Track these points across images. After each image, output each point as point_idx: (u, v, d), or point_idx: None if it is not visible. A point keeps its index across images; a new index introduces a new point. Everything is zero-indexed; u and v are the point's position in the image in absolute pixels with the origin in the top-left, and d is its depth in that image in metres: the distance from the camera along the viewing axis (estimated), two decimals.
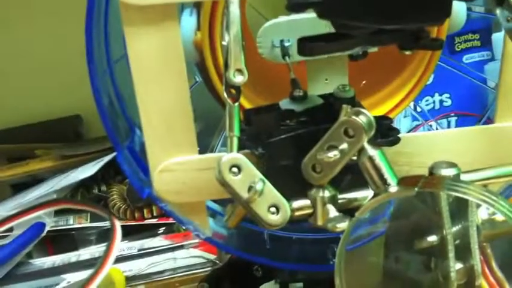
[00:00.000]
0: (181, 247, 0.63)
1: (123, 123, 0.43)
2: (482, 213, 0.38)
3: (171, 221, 0.66)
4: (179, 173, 0.39)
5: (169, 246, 0.64)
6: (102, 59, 0.39)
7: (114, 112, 0.42)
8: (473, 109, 0.63)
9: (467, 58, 0.65)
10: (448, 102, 0.65)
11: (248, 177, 0.34)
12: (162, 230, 0.66)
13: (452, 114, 0.65)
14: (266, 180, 0.35)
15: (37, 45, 0.79)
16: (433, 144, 0.40)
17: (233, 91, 0.35)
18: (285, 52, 0.39)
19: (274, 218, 0.35)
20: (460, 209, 0.36)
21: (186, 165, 0.39)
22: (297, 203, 0.36)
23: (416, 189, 0.33)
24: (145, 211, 0.68)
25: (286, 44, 0.39)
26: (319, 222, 0.36)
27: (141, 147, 0.42)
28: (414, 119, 0.59)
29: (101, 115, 0.39)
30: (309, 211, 0.36)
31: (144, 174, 0.42)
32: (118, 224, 0.42)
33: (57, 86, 0.80)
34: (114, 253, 0.39)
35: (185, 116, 0.38)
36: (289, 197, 0.36)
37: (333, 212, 0.35)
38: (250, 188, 0.34)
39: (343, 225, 0.34)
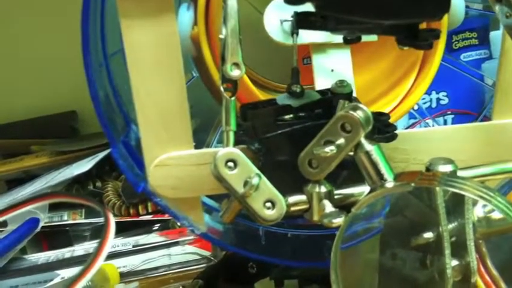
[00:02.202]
0: (176, 243, 0.63)
1: (119, 118, 0.43)
2: (478, 211, 0.38)
3: (166, 217, 0.66)
4: (175, 168, 0.39)
5: (164, 242, 0.63)
6: (98, 52, 0.39)
7: (110, 107, 0.42)
8: (471, 107, 0.63)
9: (465, 56, 0.65)
10: (445, 101, 0.65)
11: (244, 172, 0.34)
12: (157, 226, 0.66)
13: (449, 112, 0.65)
14: (262, 175, 0.34)
15: (32, 41, 0.79)
16: (430, 141, 0.40)
17: (229, 85, 0.35)
18: (294, 30, 0.39)
19: (269, 213, 0.35)
20: (456, 206, 0.36)
21: (182, 160, 0.39)
22: (292, 198, 0.36)
23: (413, 184, 0.33)
24: (140, 207, 0.67)
25: None
26: (315, 218, 0.36)
27: (136, 142, 0.42)
28: (411, 116, 0.59)
29: (95, 108, 0.39)
30: (305, 206, 0.36)
31: (139, 169, 0.41)
32: (112, 218, 0.41)
33: (52, 82, 0.79)
34: (108, 246, 0.39)
35: (181, 110, 0.38)
36: (285, 193, 0.36)
37: (329, 207, 0.35)
38: (246, 183, 0.34)
39: (339, 221, 0.34)
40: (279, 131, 0.36)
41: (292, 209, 0.36)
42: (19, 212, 0.58)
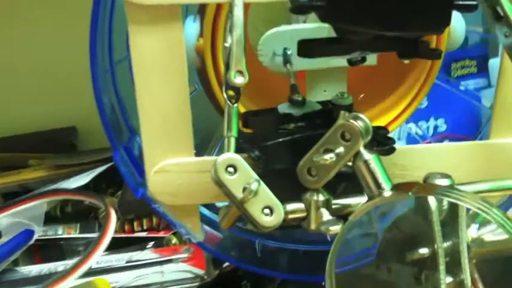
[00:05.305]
0: (169, 261, 0.63)
1: (123, 127, 0.43)
2: (472, 232, 0.38)
3: (160, 235, 0.66)
4: (175, 175, 0.39)
5: (157, 259, 0.63)
6: (104, 58, 0.39)
7: (115, 117, 0.42)
8: (468, 135, 0.63)
9: (464, 85, 0.65)
10: (443, 128, 0.65)
11: (244, 178, 0.34)
12: (151, 243, 0.66)
13: (447, 139, 0.65)
14: (261, 181, 0.35)
15: (34, 56, 0.79)
16: (428, 157, 0.41)
17: (233, 92, 0.35)
18: (286, 60, 0.40)
19: (267, 220, 0.35)
20: (451, 226, 0.36)
21: (182, 166, 0.39)
22: (290, 206, 0.36)
23: (410, 193, 0.33)
24: (135, 224, 0.67)
25: (289, 52, 0.40)
26: (312, 227, 0.36)
27: (140, 152, 0.42)
28: (410, 140, 0.60)
29: (99, 111, 0.39)
30: (303, 215, 0.36)
31: (139, 175, 0.42)
32: (113, 212, 0.42)
33: (53, 97, 0.80)
34: (108, 237, 0.39)
35: (184, 117, 0.39)
36: (284, 201, 0.36)
37: (326, 216, 0.35)
38: (244, 189, 0.34)
39: (336, 228, 0.34)
40: (280, 139, 0.37)
41: (290, 216, 0.36)
42: (14, 220, 0.58)
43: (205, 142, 0.51)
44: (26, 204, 0.51)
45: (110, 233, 0.40)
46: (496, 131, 0.41)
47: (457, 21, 0.43)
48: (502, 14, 0.36)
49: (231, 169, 0.35)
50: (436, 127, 0.66)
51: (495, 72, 0.49)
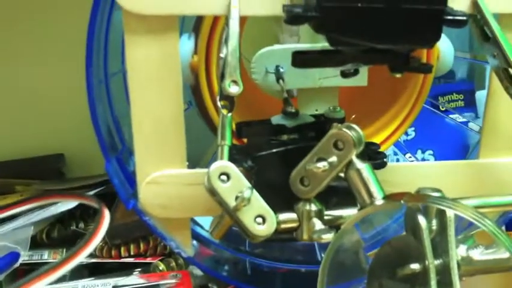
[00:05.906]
0: (156, 287, 0.62)
1: (117, 140, 0.43)
2: (460, 251, 0.38)
3: (148, 260, 0.65)
4: (166, 187, 0.40)
5: (144, 285, 0.62)
6: (99, 69, 0.40)
7: (109, 129, 0.42)
8: None
9: (451, 119, 0.66)
10: (431, 160, 0.66)
11: (236, 186, 0.34)
12: (138, 269, 0.65)
13: None
14: (254, 189, 0.35)
15: (22, 83, 0.79)
16: (418, 175, 0.41)
17: (227, 102, 0.36)
18: (279, 76, 0.40)
19: (260, 229, 0.35)
20: (440, 244, 0.36)
21: (174, 178, 0.39)
22: (283, 216, 0.36)
23: (401, 201, 0.33)
24: (122, 249, 0.66)
25: (282, 70, 0.41)
26: (305, 236, 0.36)
27: (135, 168, 0.42)
28: None
29: (93, 123, 0.39)
30: (295, 225, 0.36)
31: (132, 189, 0.42)
32: (107, 211, 0.42)
33: (41, 124, 0.79)
34: (101, 233, 0.39)
35: (177, 128, 0.39)
36: (276, 212, 0.36)
37: (318, 225, 0.35)
38: (237, 197, 0.34)
39: (328, 237, 0.34)
40: (273, 150, 0.37)
41: (283, 226, 0.36)
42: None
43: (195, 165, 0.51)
44: (20, 207, 0.50)
45: (104, 229, 0.40)
46: (484, 151, 0.41)
47: (446, 46, 0.44)
48: (490, 34, 0.37)
49: (224, 177, 0.35)
50: (423, 160, 0.66)
51: (482, 104, 0.50)
